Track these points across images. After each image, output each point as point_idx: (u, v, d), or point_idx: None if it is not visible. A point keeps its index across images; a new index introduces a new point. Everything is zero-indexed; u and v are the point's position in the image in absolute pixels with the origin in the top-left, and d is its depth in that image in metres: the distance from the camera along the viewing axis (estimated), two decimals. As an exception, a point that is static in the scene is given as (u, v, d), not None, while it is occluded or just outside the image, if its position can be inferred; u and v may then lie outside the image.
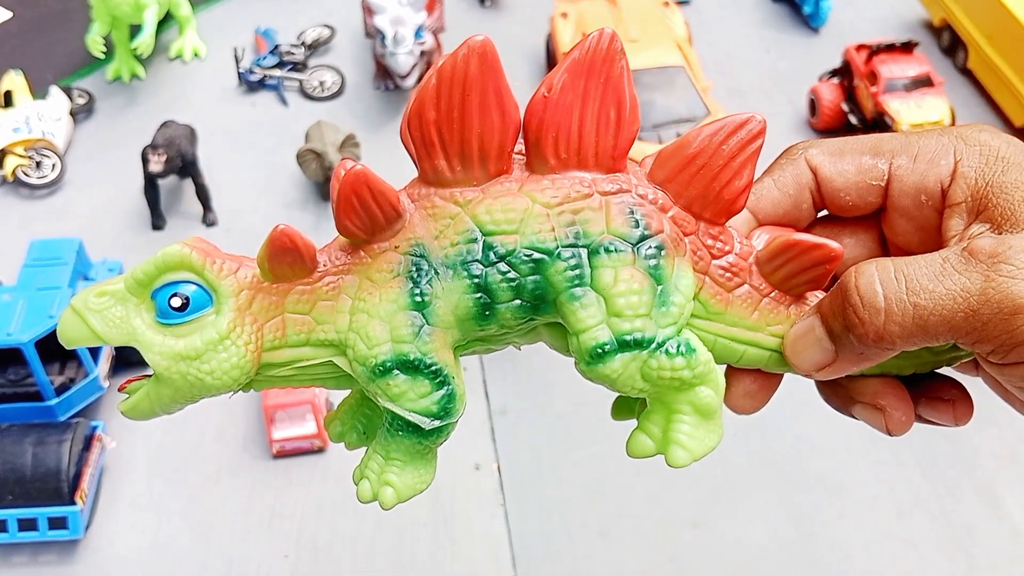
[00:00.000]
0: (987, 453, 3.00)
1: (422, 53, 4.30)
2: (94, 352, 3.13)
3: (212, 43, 4.87)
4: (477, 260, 0.62)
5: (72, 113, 4.38)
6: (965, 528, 2.84)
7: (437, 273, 0.62)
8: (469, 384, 3.27)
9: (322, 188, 4.08)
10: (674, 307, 0.62)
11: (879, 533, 2.85)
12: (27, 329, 2.93)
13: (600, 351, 0.62)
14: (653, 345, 0.62)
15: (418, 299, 0.63)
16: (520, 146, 0.64)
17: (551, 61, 4.64)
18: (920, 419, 0.69)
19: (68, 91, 4.45)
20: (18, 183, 4.07)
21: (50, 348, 2.98)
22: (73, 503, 2.82)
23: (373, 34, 4.35)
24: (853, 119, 4.14)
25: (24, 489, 2.82)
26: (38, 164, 4.08)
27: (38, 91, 4.42)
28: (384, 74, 4.56)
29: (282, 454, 3.08)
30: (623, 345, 0.62)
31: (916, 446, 3.04)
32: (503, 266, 0.62)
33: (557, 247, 0.62)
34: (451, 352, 0.64)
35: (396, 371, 0.62)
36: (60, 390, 3.03)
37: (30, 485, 2.82)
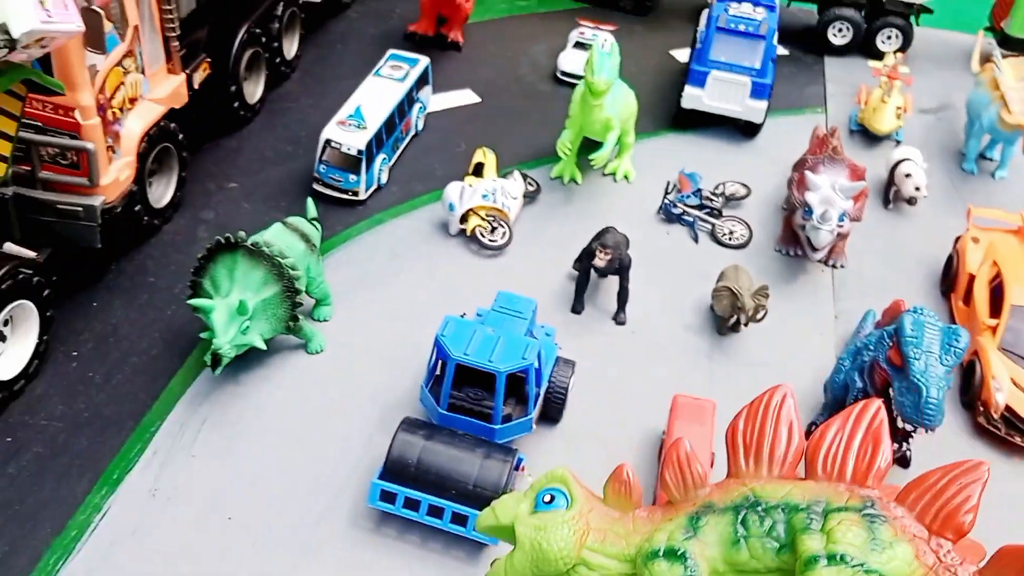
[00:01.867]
0: None
1: (839, 235, 4.70)
2: (536, 397, 3.62)
3: (640, 171, 5.56)
4: (744, 506, 1.00)
5: (524, 195, 5.16)
6: None
7: (714, 511, 1.01)
8: None
9: (721, 323, 4.47)
10: (884, 554, 0.88)
11: None
12: (505, 361, 3.49)
13: (812, 560, 0.94)
14: (858, 565, 0.87)
15: (694, 520, 1.05)
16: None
17: (949, 277, 4.87)
18: None
19: (524, 176, 5.25)
20: (473, 238, 4.85)
21: (506, 384, 3.49)
22: (497, 515, 3.28)
23: (799, 205, 4.80)
24: None
25: (464, 490, 3.33)
26: (493, 229, 4.84)
27: (500, 169, 5.25)
28: (790, 240, 5.00)
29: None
30: (831, 558, 0.94)
31: None
32: (760, 510, 0.99)
33: (804, 505, 0.96)
34: (706, 563, 1.02)
35: (661, 557, 1.04)
36: (503, 419, 3.56)
37: (470, 489, 3.32)
